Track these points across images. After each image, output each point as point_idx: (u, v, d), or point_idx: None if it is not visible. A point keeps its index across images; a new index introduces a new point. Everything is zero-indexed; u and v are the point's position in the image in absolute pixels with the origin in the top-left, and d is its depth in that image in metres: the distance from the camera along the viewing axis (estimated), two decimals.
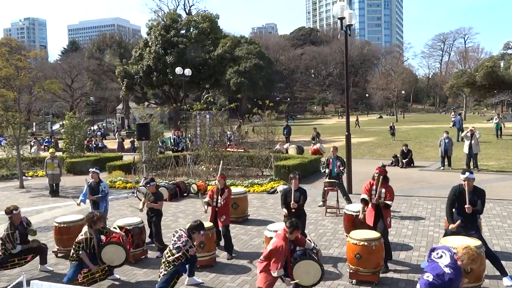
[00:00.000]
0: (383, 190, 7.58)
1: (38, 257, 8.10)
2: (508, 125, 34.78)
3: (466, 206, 6.78)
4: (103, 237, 7.43)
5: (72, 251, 7.11)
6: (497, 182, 14.81)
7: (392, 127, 32.49)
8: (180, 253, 6.55)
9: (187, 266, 6.94)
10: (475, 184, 6.99)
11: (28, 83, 20.78)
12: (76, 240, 7.08)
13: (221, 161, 11.11)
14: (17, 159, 18.30)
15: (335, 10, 13.93)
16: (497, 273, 6.87)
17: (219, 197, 8.61)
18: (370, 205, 7.72)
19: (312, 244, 6.32)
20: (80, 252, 6.94)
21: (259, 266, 6.12)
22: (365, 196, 7.73)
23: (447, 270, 4.58)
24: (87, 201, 9.83)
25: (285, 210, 8.23)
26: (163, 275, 6.50)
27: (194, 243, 6.81)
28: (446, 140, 18.19)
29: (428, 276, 4.60)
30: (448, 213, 7.14)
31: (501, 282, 6.79)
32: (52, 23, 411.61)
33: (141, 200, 10.29)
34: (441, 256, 4.74)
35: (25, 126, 20.83)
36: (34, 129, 48.26)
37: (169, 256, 6.57)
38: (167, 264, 6.53)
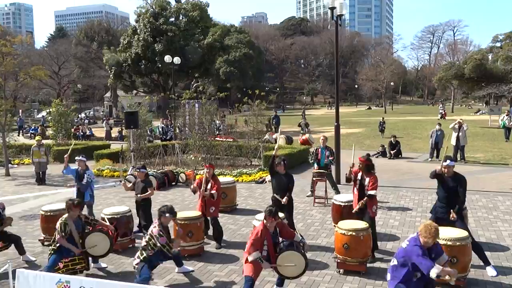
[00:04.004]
0: (367, 179, 7.58)
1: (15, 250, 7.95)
2: (495, 117, 35.07)
3: (451, 216, 6.97)
4: (89, 228, 7.29)
5: (51, 241, 7.10)
6: (484, 174, 14.96)
7: (381, 122, 28.95)
8: (150, 242, 6.57)
9: (169, 260, 6.95)
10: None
11: (13, 70, 20.42)
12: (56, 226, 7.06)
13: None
14: (3, 146, 18.06)
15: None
16: (482, 263, 6.95)
17: (207, 186, 8.56)
18: (355, 189, 7.76)
19: (300, 237, 6.31)
20: (57, 236, 6.91)
21: (245, 256, 6.11)
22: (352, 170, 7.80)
23: (404, 244, 5.25)
24: (73, 189, 9.72)
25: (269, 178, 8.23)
26: (136, 264, 6.54)
27: (162, 223, 6.75)
28: (438, 132, 18.32)
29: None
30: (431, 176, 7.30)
31: (486, 272, 6.87)
32: (38, 8, 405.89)
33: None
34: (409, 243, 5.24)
35: (11, 113, 20.52)
36: (21, 116, 47.53)
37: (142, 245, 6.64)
38: (141, 252, 6.59)
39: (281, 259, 5.97)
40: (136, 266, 6.55)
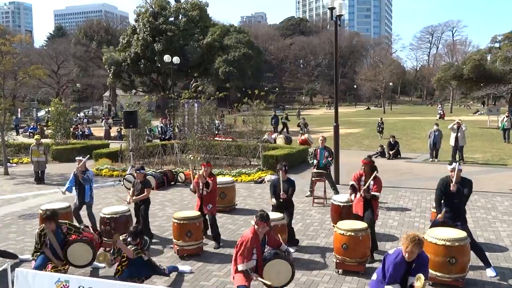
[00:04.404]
0: (371, 182, 7.62)
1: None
2: (493, 118, 35.11)
3: (451, 185, 6.85)
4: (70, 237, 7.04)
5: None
6: (482, 174, 14.98)
7: (380, 123, 28.38)
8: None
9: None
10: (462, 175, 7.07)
11: (12, 68, 20.42)
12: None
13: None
14: (2, 145, 18.04)
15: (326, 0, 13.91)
16: (481, 264, 6.96)
17: (204, 187, 8.54)
18: (358, 195, 7.76)
19: (286, 247, 6.22)
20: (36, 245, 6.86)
21: (233, 266, 5.94)
22: (353, 183, 7.78)
23: (390, 252, 5.27)
24: (73, 189, 9.68)
25: (274, 201, 8.24)
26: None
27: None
28: (436, 133, 18.33)
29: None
30: (437, 204, 7.21)
31: (485, 273, 6.89)
32: (38, 7, 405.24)
33: (128, 189, 10.20)
34: (392, 253, 5.26)
35: (9, 112, 20.50)
36: (19, 116, 47.43)
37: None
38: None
39: (267, 269, 5.84)
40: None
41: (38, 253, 6.86)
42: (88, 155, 10.49)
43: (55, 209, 7.51)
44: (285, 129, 31.02)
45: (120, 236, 6.62)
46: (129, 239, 6.51)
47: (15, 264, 7.44)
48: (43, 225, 6.94)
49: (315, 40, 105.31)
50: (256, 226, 5.84)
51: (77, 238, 6.98)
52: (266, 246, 6.02)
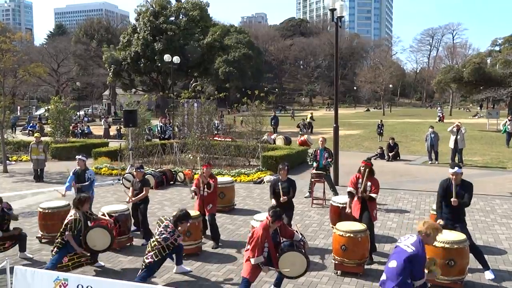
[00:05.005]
0: (369, 183, 7.62)
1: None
2: (492, 121, 35.16)
3: (452, 199, 6.85)
4: (90, 223, 7.29)
5: (57, 237, 7.03)
6: (481, 177, 14.99)
7: (380, 125, 28.03)
8: (167, 242, 6.55)
9: (173, 255, 6.95)
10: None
11: (12, 66, 20.39)
12: (64, 222, 7.00)
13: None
14: (1, 143, 18.02)
15: (327, 1, 13.94)
16: (480, 266, 6.96)
17: (205, 187, 8.55)
18: (356, 197, 7.76)
19: (300, 236, 6.31)
20: (66, 233, 6.87)
21: (245, 255, 6.12)
22: (351, 189, 7.76)
23: (409, 249, 4.78)
24: (73, 188, 9.69)
25: (273, 201, 8.23)
26: (149, 263, 6.48)
27: (180, 232, 6.79)
28: (432, 135, 18.34)
29: (392, 263, 4.82)
30: (437, 207, 7.20)
31: (483, 275, 6.89)
32: (38, 5, 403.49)
33: (127, 188, 10.19)
34: (408, 238, 4.95)
35: (9, 110, 20.49)
36: (18, 113, 47.41)
37: (155, 245, 6.54)
38: (156, 253, 6.52)
39: (282, 260, 5.95)
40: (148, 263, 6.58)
41: (60, 246, 6.90)
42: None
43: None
44: (309, 130, 31.18)
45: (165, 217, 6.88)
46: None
47: (14, 262, 7.43)
48: (74, 212, 7.00)
49: (315, 41, 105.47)
50: (270, 223, 5.96)
51: (95, 224, 7.19)
52: (279, 237, 6.14)
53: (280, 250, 6.06)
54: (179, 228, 6.72)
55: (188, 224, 6.93)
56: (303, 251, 6.09)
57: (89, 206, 8.45)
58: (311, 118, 33.79)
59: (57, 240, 7.00)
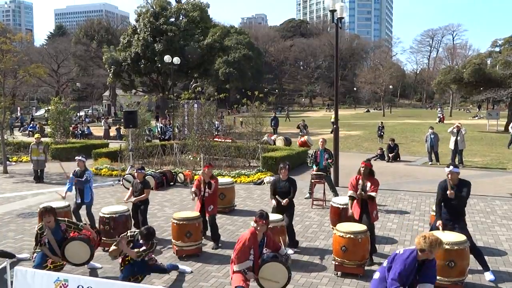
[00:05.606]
0: (368, 184, 7.61)
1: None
2: (493, 122, 35.17)
3: (448, 191, 6.81)
4: (70, 233, 7.00)
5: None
6: (482, 178, 15.00)
7: (380, 127, 27.82)
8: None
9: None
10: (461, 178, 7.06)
11: (13, 67, 20.41)
12: None
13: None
14: (1, 144, 18.02)
15: (327, 2, 13.95)
16: (480, 267, 6.96)
17: (206, 188, 8.56)
18: (356, 200, 7.74)
19: (285, 251, 6.21)
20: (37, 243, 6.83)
21: (231, 266, 5.95)
22: (351, 192, 7.74)
23: (398, 251, 5.08)
24: (73, 189, 9.65)
25: (274, 202, 8.23)
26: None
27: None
28: (432, 136, 18.34)
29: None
30: (437, 209, 7.19)
31: (484, 276, 6.88)
32: (38, 6, 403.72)
33: (127, 189, 10.18)
34: (403, 252, 5.12)
35: (9, 110, 20.50)
36: (19, 114, 47.36)
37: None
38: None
39: (264, 270, 5.82)
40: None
41: (38, 251, 6.84)
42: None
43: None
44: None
45: (129, 232, 6.74)
46: (141, 240, 6.56)
47: (13, 262, 7.42)
48: (41, 223, 6.88)
49: (315, 42, 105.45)
50: (255, 224, 5.88)
51: (76, 236, 6.93)
52: (264, 248, 6.00)
53: (261, 260, 5.89)
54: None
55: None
56: (286, 264, 5.94)
57: (89, 210, 8.35)
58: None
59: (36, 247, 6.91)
